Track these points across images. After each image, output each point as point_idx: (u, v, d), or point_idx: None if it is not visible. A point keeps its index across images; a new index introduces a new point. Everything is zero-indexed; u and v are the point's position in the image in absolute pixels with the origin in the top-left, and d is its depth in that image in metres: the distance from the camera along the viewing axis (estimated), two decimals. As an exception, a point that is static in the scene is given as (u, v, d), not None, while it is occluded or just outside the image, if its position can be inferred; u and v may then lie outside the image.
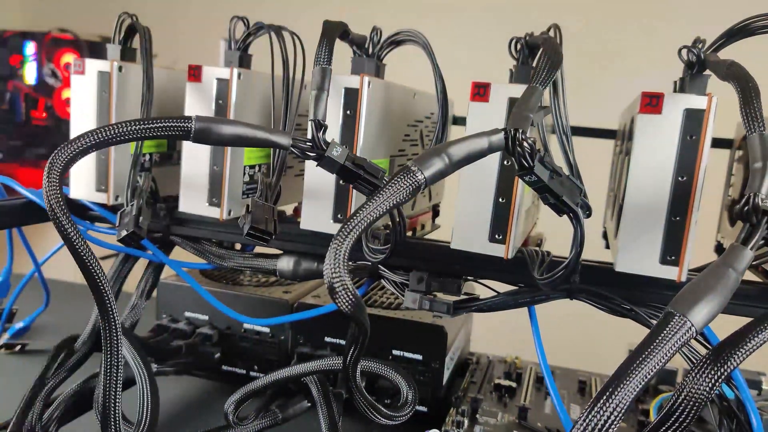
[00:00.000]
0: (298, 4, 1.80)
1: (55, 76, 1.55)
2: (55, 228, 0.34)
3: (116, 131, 0.36)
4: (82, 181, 0.52)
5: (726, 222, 0.53)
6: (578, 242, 0.38)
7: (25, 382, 0.48)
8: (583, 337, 1.27)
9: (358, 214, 0.30)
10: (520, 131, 0.33)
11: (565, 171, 0.38)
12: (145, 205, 0.48)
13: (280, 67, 0.49)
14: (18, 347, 0.69)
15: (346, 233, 0.30)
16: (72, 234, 0.35)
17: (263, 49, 0.49)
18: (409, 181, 0.32)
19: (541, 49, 0.39)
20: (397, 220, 0.43)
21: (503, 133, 0.33)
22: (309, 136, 0.40)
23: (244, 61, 0.51)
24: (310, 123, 0.40)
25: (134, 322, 0.55)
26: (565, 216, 0.38)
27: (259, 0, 1.68)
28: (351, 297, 0.30)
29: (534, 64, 0.38)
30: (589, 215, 0.39)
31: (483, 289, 0.48)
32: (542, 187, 0.35)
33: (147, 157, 0.54)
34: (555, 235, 0.57)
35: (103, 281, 0.37)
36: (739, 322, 0.29)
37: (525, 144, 0.33)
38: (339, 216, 0.46)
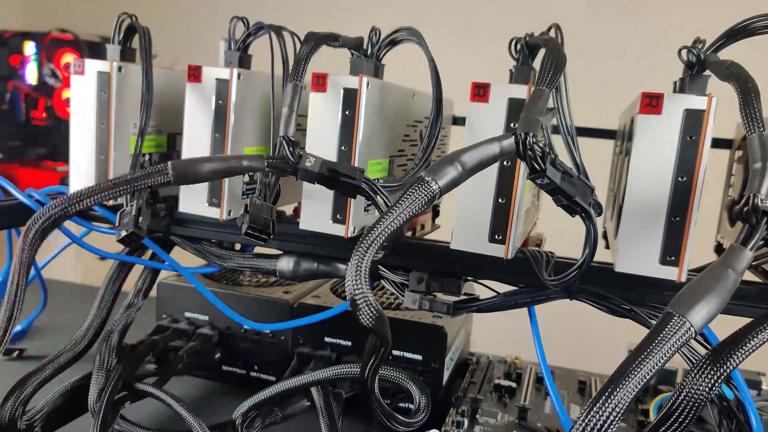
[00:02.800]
0: (298, 4, 1.80)
1: (55, 76, 1.55)
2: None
3: (101, 189, 0.38)
4: (82, 182, 0.52)
5: (726, 222, 0.53)
6: (591, 242, 0.38)
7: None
8: (583, 337, 1.27)
9: (376, 228, 0.30)
10: (531, 135, 0.33)
11: (573, 171, 0.38)
12: (144, 205, 0.48)
13: (280, 67, 0.49)
14: (16, 353, 0.68)
15: (366, 247, 0.30)
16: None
17: (263, 49, 0.49)
18: (424, 191, 0.32)
19: (545, 51, 0.39)
20: None
21: (514, 137, 0.33)
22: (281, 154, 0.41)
23: (244, 61, 0.51)
24: (280, 140, 0.41)
25: (127, 324, 0.54)
26: (561, 216, 0.38)
27: (260, 0, 1.67)
28: (374, 311, 0.30)
29: (539, 67, 0.38)
30: (600, 213, 0.39)
31: (483, 289, 0.48)
32: (555, 189, 0.35)
33: (147, 157, 0.54)
34: (551, 235, 0.57)
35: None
36: (739, 322, 0.29)
37: (536, 147, 0.33)
38: (338, 216, 0.46)
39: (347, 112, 0.45)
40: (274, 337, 0.61)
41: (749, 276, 0.44)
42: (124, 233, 0.47)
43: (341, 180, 0.41)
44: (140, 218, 0.47)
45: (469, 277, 0.47)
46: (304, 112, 0.53)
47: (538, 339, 0.45)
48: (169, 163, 0.40)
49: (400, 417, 0.44)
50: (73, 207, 0.39)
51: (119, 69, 0.50)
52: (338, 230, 0.46)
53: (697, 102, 0.38)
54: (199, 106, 0.49)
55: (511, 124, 0.41)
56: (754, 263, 0.45)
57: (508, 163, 0.42)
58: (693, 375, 0.27)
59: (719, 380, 0.26)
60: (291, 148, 0.42)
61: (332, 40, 0.46)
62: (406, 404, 0.56)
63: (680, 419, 0.27)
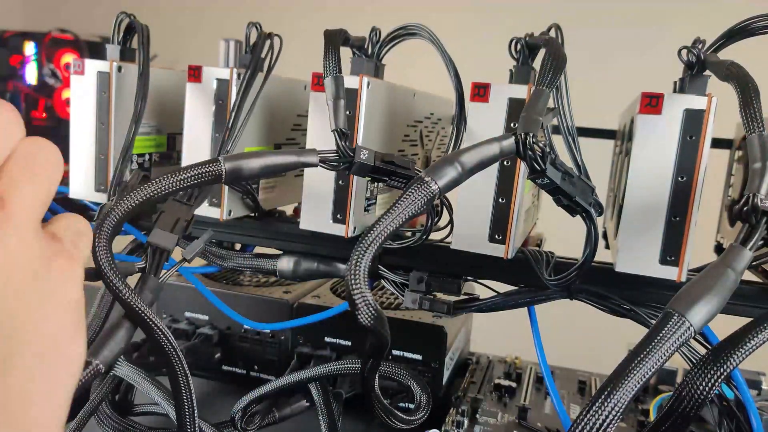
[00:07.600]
0: (299, 4, 1.80)
1: (55, 76, 1.55)
2: (107, 288, 0.33)
3: (156, 188, 0.35)
4: (82, 181, 0.52)
5: (726, 222, 0.53)
6: (592, 242, 0.38)
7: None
8: (583, 337, 1.27)
9: (375, 228, 0.30)
10: (531, 135, 0.33)
11: (574, 171, 0.38)
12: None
13: (281, 68, 0.49)
14: None
15: (365, 248, 0.30)
16: (127, 295, 0.34)
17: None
18: (423, 192, 0.32)
19: (545, 51, 0.39)
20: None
21: (514, 137, 0.33)
22: (334, 147, 0.40)
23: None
24: (333, 133, 0.40)
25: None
26: (561, 216, 0.38)
27: (259, 1, 1.68)
28: (372, 311, 0.30)
29: (539, 67, 0.38)
30: (600, 213, 0.39)
31: (483, 289, 0.48)
32: (555, 189, 0.35)
33: (146, 156, 0.54)
34: (551, 235, 0.57)
35: (172, 344, 0.35)
36: (739, 322, 0.29)
37: (536, 147, 0.33)
38: (338, 216, 0.46)
39: (348, 112, 0.45)
40: (274, 337, 0.61)
41: (749, 276, 0.44)
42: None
43: (396, 171, 0.39)
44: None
45: (469, 277, 0.47)
46: (304, 112, 0.54)
47: (538, 339, 0.45)
48: (221, 157, 0.36)
49: (400, 414, 0.44)
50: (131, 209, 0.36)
51: (119, 69, 0.50)
52: (338, 230, 0.46)
53: (697, 102, 0.38)
54: (200, 106, 0.49)
55: (512, 124, 0.41)
56: (753, 263, 0.45)
57: (508, 163, 0.42)
58: (693, 374, 0.27)
59: (719, 380, 0.26)
60: (344, 141, 0.39)
61: (346, 39, 0.46)
62: (406, 404, 0.56)
63: (680, 419, 0.27)
